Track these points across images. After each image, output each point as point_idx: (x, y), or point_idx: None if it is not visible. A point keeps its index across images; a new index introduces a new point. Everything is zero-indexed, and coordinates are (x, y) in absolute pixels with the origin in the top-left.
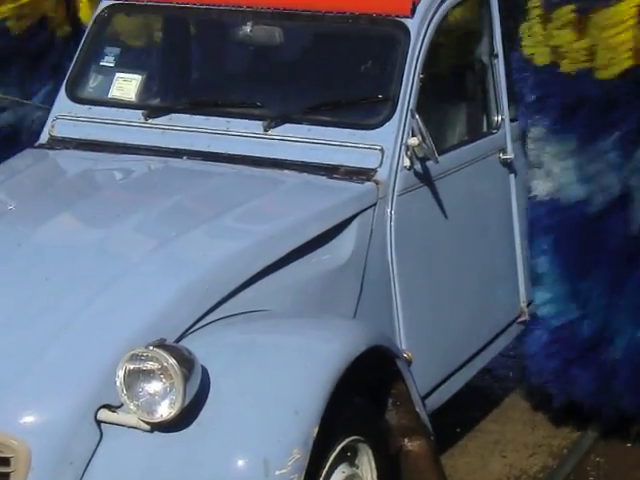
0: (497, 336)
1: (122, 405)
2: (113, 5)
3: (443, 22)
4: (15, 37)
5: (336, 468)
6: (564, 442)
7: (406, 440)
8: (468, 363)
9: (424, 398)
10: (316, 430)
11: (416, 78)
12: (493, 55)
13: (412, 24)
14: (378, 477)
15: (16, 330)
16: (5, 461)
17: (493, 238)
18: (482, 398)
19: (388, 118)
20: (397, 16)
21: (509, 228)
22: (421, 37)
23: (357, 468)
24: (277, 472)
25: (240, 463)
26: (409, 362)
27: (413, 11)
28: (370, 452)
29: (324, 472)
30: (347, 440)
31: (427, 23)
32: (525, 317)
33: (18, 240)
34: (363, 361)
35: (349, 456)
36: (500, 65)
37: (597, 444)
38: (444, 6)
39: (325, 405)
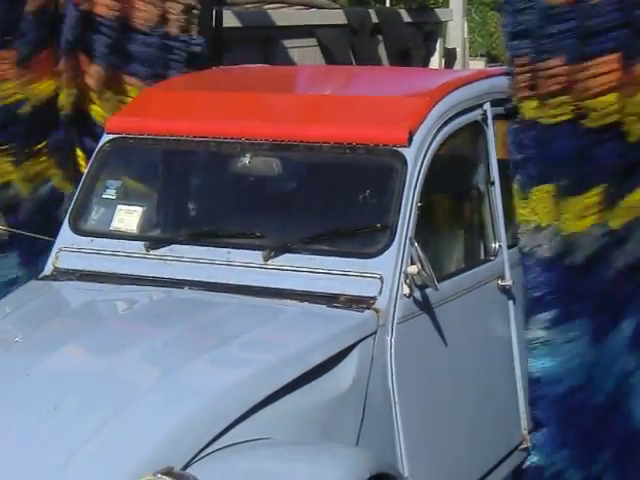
0: (499, 463)
1: None
2: (115, 139)
3: (440, 150)
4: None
5: None
6: None
7: None
8: None
9: None
10: None
11: (414, 206)
12: (489, 182)
13: (409, 153)
14: None
15: (26, 460)
16: None
17: (493, 365)
18: None
19: (387, 246)
20: (394, 146)
21: (509, 355)
22: (418, 166)
23: None
24: None
25: None
26: None
27: (410, 140)
28: None
29: None
30: None
31: (424, 152)
32: (527, 444)
33: (26, 370)
34: None
35: None
36: (496, 192)
37: None
38: (440, 135)
39: None
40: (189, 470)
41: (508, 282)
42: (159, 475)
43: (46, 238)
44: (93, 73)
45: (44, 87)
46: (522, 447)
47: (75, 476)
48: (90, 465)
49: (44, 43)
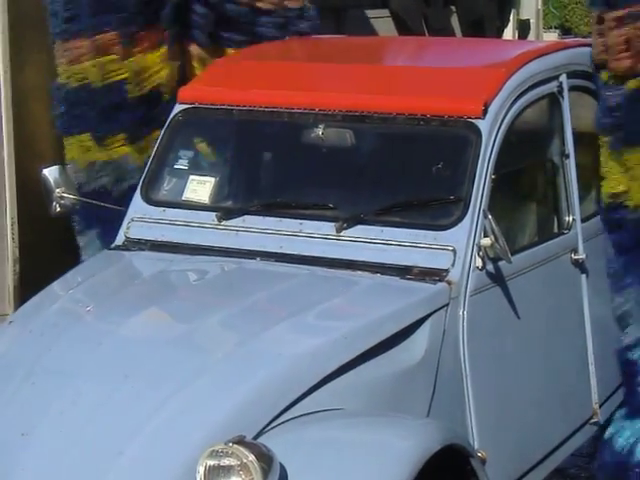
0: (569, 437)
1: None
2: (187, 109)
3: (514, 122)
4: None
5: None
6: None
7: None
8: (540, 464)
9: None
10: None
11: (488, 178)
12: (564, 155)
13: (484, 125)
14: None
15: (97, 426)
16: None
17: (565, 339)
18: None
19: (460, 219)
20: (469, 117)
21: (581, 329)
22: (492, 138)
23: None
24: None
25: None
26: (483, 461)
27: (485, 112)
28: None
29: None
30: None
31: (499, 124)
32: (597, 418)
33: (99, 339)
34: (437, 460)
35: None
36: (571, 165)
37: None
38: (515, 106)
39: None
40: (260, 439)
41: (581, 256)
42: (230, 444)
43: (118, 208)
44: (195, 51)
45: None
46: (592, 421)
47: (146, 444)
48: (161, 434)
49: (149, 21)
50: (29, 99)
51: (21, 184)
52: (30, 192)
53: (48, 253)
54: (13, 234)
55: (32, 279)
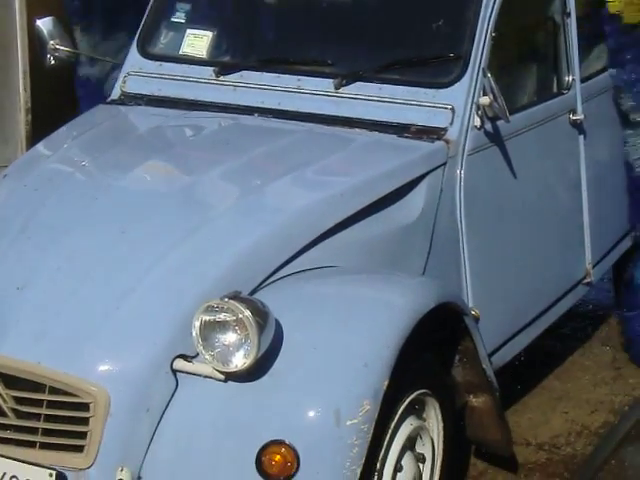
0: (562, 297)
1: (197, 355)
2: None
3: None
4: None
5: (404, 420)
6: (626, 399)
7: (471, 396)
8: (533, 322)
9: (489, 356)
10: (386, 383)
11: (488, 37)
12: (565, 14)
13: None
14: (444, 430)
15: (94, 282)
16: (85, 406)
17: (561, 199)
18: (545, 357)
19: (459, 77)
20: None
21: (577, 189)
22: None
23: (424, 421)
24: (348, 422)
25: (311, 413)
26: (477, 319)
27: None
28: (437, 406)
29: (393, 424)
30: (415, 394)
31: None
32: (590, 278)
33: (94, 194)
34: (432, 317)
35: (417, 409)
36: (572, 24)
37: None
38: None
39: (395, 359)
40: (256, 295)
41: (580, 116)
42: (226, 299)
43: (114, 61)
44: None
45: None
46: (585, 281)
47: (142, 299)
48: (158, 288)
49: None
50: None
51: (32, 35)
52: None
53: (61, 102)
54: (25, 83)
55: (44, 130)
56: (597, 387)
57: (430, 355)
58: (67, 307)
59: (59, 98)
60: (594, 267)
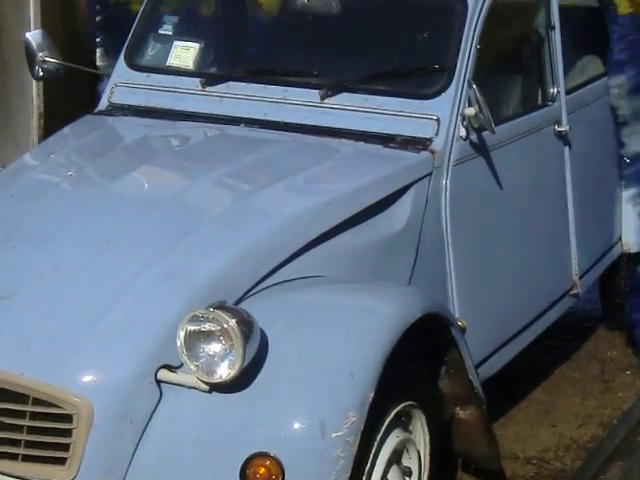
0: (549, 308)
1: (182, 365)
2: None
3: None
4: None
5: (390, 432)
6: (615, 413)
7: (458, 408)
8: (520, 334)
9: (476, 367)
10: (372, 394)
11: (473, 48)
12: (550, 27)
13: None
14: (431, 443)
15: (79, 291)
16: (67, 417)
17: (546, 210)
18: (532, 369)
19: (445, 88)
20: None
21: (563, 200)
22: (478, 7)
23: (411, 434)
24: (333, 434)
25: (296, 425)
26: (463, 330)
27: None
28: (424, 418)
29: (379, 436)
30: (401, 405)
31: None
32: (577, 290)
33: (80, 202)
34: (418, 328)
35: (403, 421)
36: (557, 37)
37: None
38: None
39: (381, 370)
40: (242, 305)
41: (565, 128)
42: (211, 309)
43: (100, 73)
44: None
45: None
46: (572, 293)
47: (127, 308)
48: (143, 298)
49: None
50: None
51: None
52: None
53: (74, 108)
54: (39, 89)
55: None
56: (585, 400)
57: (417, 366)
58: (51, 317)
59: (75, 104)
60: (581, 278)
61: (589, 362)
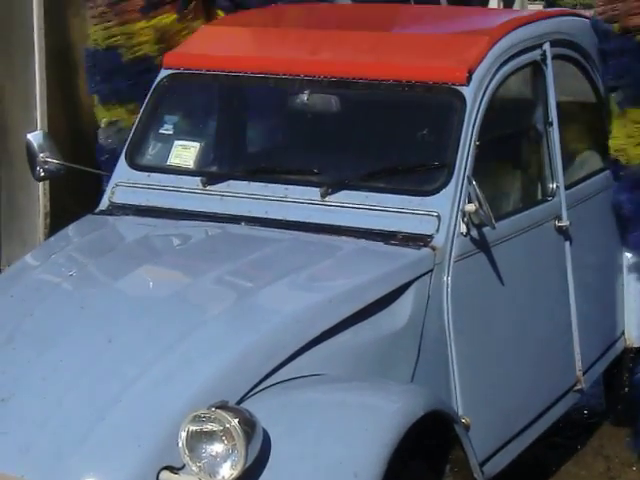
0: (553, 404)
1: (184, 466)
2: (173, 74)
3: (498, 90)
4: None
5: None
6: None
7: None
8: (524, 431)
9: (481, 465)
10: None
11: (472, 145)
12: (548, 123)
13: (468, 92)
14: None
15: (79, 393)
16: None
17: (549, 305)
18: (537, 467)
19: (445, 185)
20: (453, 84)
21: (565, 296)
22: (477, 104)
23: None
24: None
25: None
26: (467, 427)
27: (469, 79)
28: None
29: None
30: None
31: (483, 91)
32: (581, 385)
33: (81, 303)
34: (421, 426)
35: None
36: (555, 133)
37: None
38: (499, 74)
39: (385, 468)
40: (244, 405)
41: (565, 223)
42: (213, 409)
43: (103, 173)
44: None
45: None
46: (576, 388)
47: (128, 409)
48: (144, 399)
49: None
50: None
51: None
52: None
53: (80, 207)
54: (45, 188)
55: None
56: None
57: (421, 464)
58: (52, 419)
59: (81, 203)
60: (584, 374)
61: (595, 459)
